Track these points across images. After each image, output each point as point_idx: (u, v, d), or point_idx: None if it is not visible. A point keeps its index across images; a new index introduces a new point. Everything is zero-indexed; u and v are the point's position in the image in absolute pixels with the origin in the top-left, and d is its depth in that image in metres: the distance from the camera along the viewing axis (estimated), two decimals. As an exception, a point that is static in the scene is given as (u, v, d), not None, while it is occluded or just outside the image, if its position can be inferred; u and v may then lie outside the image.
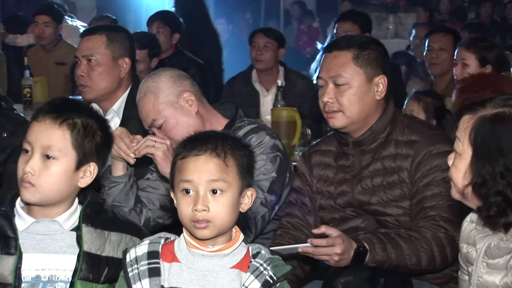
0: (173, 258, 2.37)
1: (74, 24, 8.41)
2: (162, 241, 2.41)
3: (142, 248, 2.39)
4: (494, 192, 2.37)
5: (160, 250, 2.38)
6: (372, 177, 3.27)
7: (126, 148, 3.35)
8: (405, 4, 14.41)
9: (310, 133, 5.30)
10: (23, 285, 2.50)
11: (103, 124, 2.64)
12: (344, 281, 3.01)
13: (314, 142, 3.69)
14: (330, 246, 2.91)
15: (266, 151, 3.46)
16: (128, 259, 2.38)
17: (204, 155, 2.33)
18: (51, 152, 2.51)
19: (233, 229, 2.42)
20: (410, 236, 3.10)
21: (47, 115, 2.54)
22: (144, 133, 3.55)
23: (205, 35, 7.39)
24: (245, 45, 6.71)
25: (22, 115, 4.11)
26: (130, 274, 2.36)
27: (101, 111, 3.90)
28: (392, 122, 3.31)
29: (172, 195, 2.43)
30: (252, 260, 2.39)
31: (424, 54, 6.24)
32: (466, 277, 2.64)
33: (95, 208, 2.66)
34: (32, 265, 2.52)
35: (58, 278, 2.54)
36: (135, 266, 2.36)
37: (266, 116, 5.85)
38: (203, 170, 2.32)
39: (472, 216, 2.63)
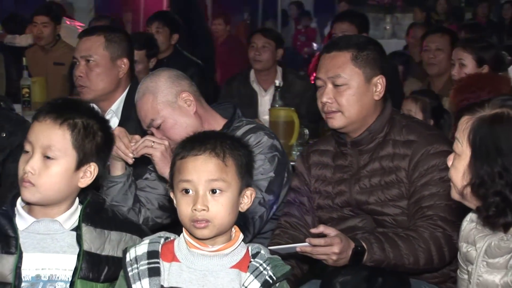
0: (173, 258, 2.37)
1: (72, 24, 8.41)
2: (162, 240, 2.41)
3: (142, 247, 2.38)
4: (493, 192, 2.38)
5: (160, 250, 2.38)
6: (370, 176, 3.28)
7: (124, 148, 3.36)
8: (402, 5, 14.45)
9: (307, 133, 5.31)
10: (23, 284, 2.50)
11: (104, 124, 2.64)
12: (342, 281, 3.01)
13: (312, 142, 3.70)
14: (328, 245, 2.91)
15: (264, 151, 3.47)
16: (128, 259, 2.38)
17: (203, 155, 2.33)
18: (51, 152, 2.51)
19: (233, 229, 2.42)
20: (408, 235, 3.10)
21: (47, 115, 2.54)
22: (143, 133, 3.56)
23: (199, 34, 7.40)
24: (243, 45, 6.73)
25: (21, 115, 4.11)
26: (130, 273, 2.35)
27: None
28: (390, 122, 3.31)
29: (171, 195, 2.43)
30: (252, 260, 2.39)
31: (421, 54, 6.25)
32: (465, 276, 2.65)
33: (95, 208, 2.66)
34: (32, 264, 2.52)
35: (58, 277, 2.54)
36: (135, 265, 2.36)
37: (264, 116, 5.86)
38: (202, 170, 2.32)
39: (471, 216, 2.63)
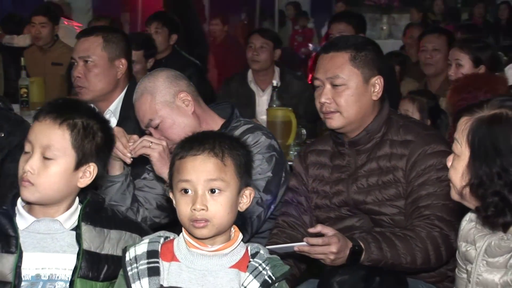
0: (173, 258, 2.37)
1: (70, 25, 8.42)
2: (162, 240, 2.41)
3: (142, 247, 2.39)
4: (492, 193, 2.39)
5: (159, 250, 2.38)
6: (368, 176, 3.28)
7: (122, 147, 3.37)
8: (398, 5, 14.47)
9: (305, 133, 5.31)
10: (23, 283, 2.50)
11: (105, 125, 2.65)
12: (340, 280, 3.02)
13: (310, 142, 3.70)
14: (326, 245, 2.92)
15: (262, 150, 3.47)
16: (127, 258, 2.38)
17: (202, 155, 2.34)
18: (50, 151, 2.52)
19: (232, 229, 2.42)
20: (405, 235, 3.11)
21: (47, 115, 2.55)
22: (141, 133, 3.56)
23: (194, 34, 7.40)
24: (240, 46, 6.74)
25: (19, 115, 4.11)
26: (129, 273, 2.36)
27: None
28: (387, 122, 3.32)
29: (171, 195, 2.44)
30: (251, 260, 2.40)
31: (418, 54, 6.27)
32: (464, 275, 2.66)
33: (95, 207, 2.66)
34: (32, 264, 2.53)
35: (58, 277, 2.55)
36: (135, 265, 2.36)
37: (262, 116, 5.87)
38: (201, 169, 2.33)
39: (471, 215, 2.64)
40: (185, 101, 3.52)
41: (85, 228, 2.60)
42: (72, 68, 4.24)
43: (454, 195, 2.54)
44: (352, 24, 6.21)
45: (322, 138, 3.58)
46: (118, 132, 3.36)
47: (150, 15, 7.29)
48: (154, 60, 5.99)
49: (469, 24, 10.80)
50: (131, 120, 3.88)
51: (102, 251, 2.61)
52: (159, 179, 3.50)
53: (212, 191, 2.33)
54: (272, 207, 3.51)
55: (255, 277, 2.36)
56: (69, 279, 2.54)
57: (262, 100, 6.26)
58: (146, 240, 2.42)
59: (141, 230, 2.72)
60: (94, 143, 2.58)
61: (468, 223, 2.65)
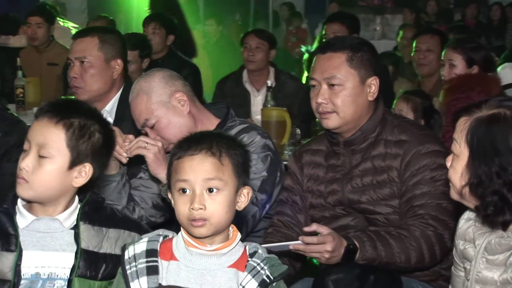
0: (171, 257, 2.38)
1: (66, 25, 8.42)
2: (161, 239, 2.42)
3: (141, 246, 2.40)
4: (491, 192, 2.41)
5: (158, 248, 2.39)
6: (362, 176, 3.30)
7: (118, 147, 3.38)
8: (392, 6, 14.47)
9: (299, 132, 5.32)
10: (22, 282, 2.51)
11: (105, 127, 2.65)
12: (335, 279, 3.02)
13: (305, 142, 3.71)
14: (321, 243, 2.93)
15: (257, 150, 3.48)
16: (126, 256, 2.39)
17: (200, 155, 2.35)
18: (45, 150, 2.52)
19: (231, 228, 2.44)
20: (399, 234, 3.12)
21: (45, 114, 2.56)
22: (137, 133, 3.56)
23: (181, 38, 7.40)
24: (235, 46, 6.75)
25: (16, 115, 4.12)
26: (128, 271, 2.37)
27: None
28: (382, 122, 3.33)
29: (169, 195, 2.44)
30: (249, 259, 2.41)
31: (412, 55, 6.28)
32: (461, 273, 2.68)
33: (94, 206, 2.67)
34: (32, 262, 2.54)
35: (57, 275, 2.56)
36: (133, 264, 2.37)
37: (257, 116, 5.88)
38: (199, 169, 2.34)
39: (469, 214, 2.66)
40: (180, 101, 3.53)
41: (84, 227, 2.61)
42: (68, 69, 4.24)
43: (454, 195, 2.55)
44: (346, 24, 6.24)
45: (317, 138, 3.59)
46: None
47: (145, 16, 7.32)
48: (150, 60, 6.00)
49: (461, 25, 10.82)
50: (127, 120, 3.89)
51: (101, 250, 2.62)
52: (154, 179, 3.51)
53: (210, 190, 2.34)
54: (267, 206, 3.52)
55: (253, 277, 2.37)
56: (68, 277, 2.55)
57: (257, 100, 6.27)
58: (145, 238, 2.43)
59: (140, 229, 2.72)
60: (90, 144, 2.58)
61: (466, 221, 2.66)
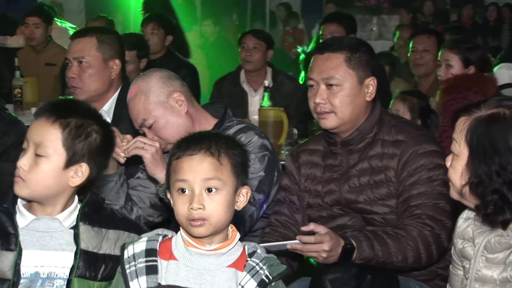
0: (171, 256, 2.38)
1: (64, 26, 8.41)
2: (160, 238, 2.42)
3: (140, 245, 2.40)
4: (491, 191, 2.42)
5: (158, 248, 2.39)
6: (359, 176, 3.30)
7: (116, 147, 3.38)
8: (388, 6, 14.47)
9: (296, 132, 5.33)
10: (22, 281, 2.52)
11: (104, 128, 2.65)
12: (332, 278, 3.03)
13: (302, 142, 3.71)
14: (319, 243, 2.93)
15: (254, 150, 3.48)
16: (126, 256, 2.40)
17: (198, 155, 2.35)
18: (41, 149, 2.53)
19: (230, 228, 2.44)
20: (396, 234, 3.13)
21: (44, 113, 2.57)
22: (134, 133, 3.57)
23: (175, 40, 7.41)
24: (232, 46, 6.75)
25: (14, 115, 4.13)
26: (127, 271, 2.37)
27: None
28: (379, 122, 3.34)
29: (168, 195, 2.45)
30: (248, 259, 2.41)
31: (408, 55, 6.30)
32: (460, 272, 2.69)
33: (94, 207, 2.67)
34: (32, 261, 2.54)
35: (56, 275, 2.56)
36: (133, 263, 2.37)
37: (254, 116, 5.89)
38: (198, 169, 2.34)
39: (468, 213, 2.67)
40: (178, 101, 3.54)
41: (83, 228, 2.61)
42: (66, 69, 4.25)
43: (454, 194, 2.56)
44: (343, 25, 6.25)
45: (315, 138, 3.59)
46: (112, 131, 3.38)
47: (144, 16, 7.32)
48: (147, 60, 6.01)
49: (457, 25, 10.84)
50: (124, 120, 3.89)
51: (100, 250, 2.62)
52: (152, 179, 3.51)
53: (209, 190, 2.34)
54: (265, 206, 3.53)
55: (252, 277, 2.37)
56: (68, 277, 2.55)
57: (254, 100, 6.27)
58: (144, 238, 2.43)
59: (139, 230, 2.72)
60: (86, 144, 2.58)
61: (465, 221, 2.67)
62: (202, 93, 6.89)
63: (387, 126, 3.34)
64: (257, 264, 2.40)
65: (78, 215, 2.63)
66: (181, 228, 2.40)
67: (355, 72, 3.26)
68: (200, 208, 2.33)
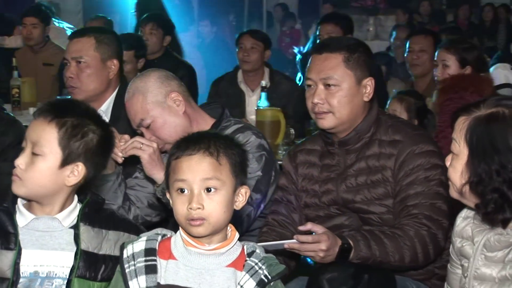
0: (170, 256, 2.38)
1: (61, 26, 8.42)
2: (159, 238, 2.42)
3: (140, 244, 2.40)
4: (491, 190, 2.43)
5: (157, 248, 2.39)
6: (357, 176, 3.31)
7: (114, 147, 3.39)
8: (385, 7, 14.48)
9: (293, 132, 5.33)
10: (21, 280, 2.52)
11: (103, 128, 2.64)
12: (329, 277, 3.03)
13: (300, 141, 3.72)
14: (316, 242, 2.93)
15: (252, 150, 3.49)
16: (125, 255, 2.40)
17: (197, 155, 2.36)
18: (38, 148, 2.54)
19: (229, 228, 2.45)
20: (393, 233, 3.13)
21: (42, 113, 2.58)
22: (132, 133, 3.57)
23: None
24: (229, 47, 6.76)
25: (12, 114, 4.14)
26: (126, 270, 2.37)
27: None
28: (376, 122, 3.34)
29: (167, 195, 2.45)
30: (247, 259, 2.42)
31: (405, 55, 6.31)
32: (458, 271, 2.70)
33: (94, 207, 2.68)
34: (31, 261, 2.54)
35: (56, 274, 2.56)
36: (132, 262, 2.37)
37: (251, 116, 5.89)
38: (197, 169, 2.34)
39: (466, 212, 2.68)
40: (176, 101, 3.54)
41: (84, 229, 2.61)
42: (64, 69, 4.26)
43: (454, 194, 2.57)
44: (340, 25, 6.26)
45: (312, 138, 3.59)
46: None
47: (136, 17, 7.33)
48: (145, 60, 6.01)
49: (453, 26, 10.85)
50: (122, 120, 3.90)
51: (100, 251, 2.62)
52: (149, 179, 3.52)
53: (208, 190, 2.34)
54: (262, 206, 3.53)
55: (251, 276, 2.38)
56: (67, 277, 2.56)
57: (252, 100, 6.27)
58: (143, 237, 2.43)
59: (139, 231, 2.69)
60: (82, 143, 2.57)
61: (464, 219, 2.68)
62: (199, 93, 6.90)
63: (384, 126, 3.34)
64: (256, 263, 2.40)
65: (78, 215, 2.63)
66: (180, 227, 2.40)
67: (353, 73, 3.26)
68: (199, 208, 2.33)
